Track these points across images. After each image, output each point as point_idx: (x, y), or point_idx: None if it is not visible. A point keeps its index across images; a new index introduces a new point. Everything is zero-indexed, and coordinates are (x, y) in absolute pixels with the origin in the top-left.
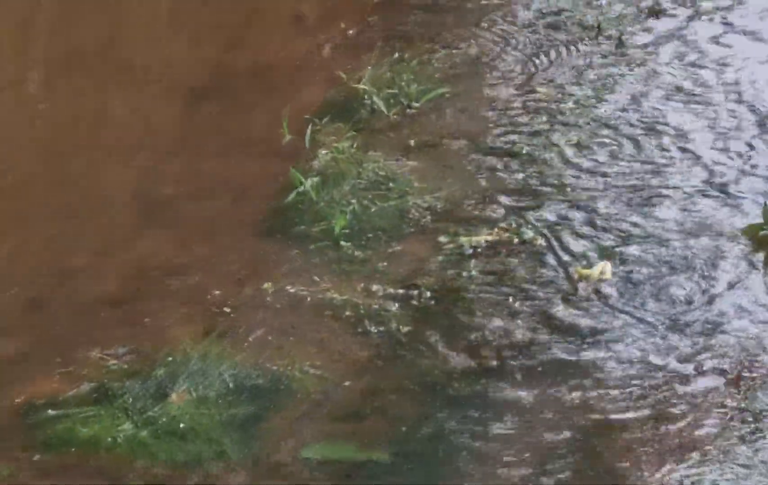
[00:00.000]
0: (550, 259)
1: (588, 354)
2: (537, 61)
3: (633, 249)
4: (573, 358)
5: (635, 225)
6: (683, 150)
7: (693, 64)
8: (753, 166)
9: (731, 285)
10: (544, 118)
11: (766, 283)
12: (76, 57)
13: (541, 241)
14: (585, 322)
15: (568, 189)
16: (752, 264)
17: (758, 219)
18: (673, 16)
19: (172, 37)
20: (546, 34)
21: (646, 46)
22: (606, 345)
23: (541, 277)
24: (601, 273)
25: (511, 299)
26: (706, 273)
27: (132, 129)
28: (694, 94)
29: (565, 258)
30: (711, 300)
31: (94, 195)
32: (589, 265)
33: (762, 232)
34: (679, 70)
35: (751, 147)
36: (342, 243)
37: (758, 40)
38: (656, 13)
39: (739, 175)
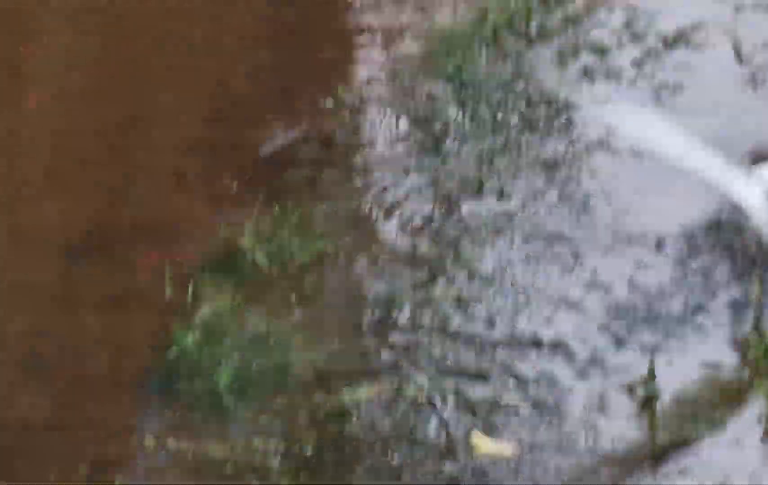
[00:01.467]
0: (434, 419)
1: None
2: (420, 217)
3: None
4: None
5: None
6: None
7: None
8: None
9: None
10: (426, 271)
11: None
12: None
13: (424, 398)
14: None
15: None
16: None
17: None
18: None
19: (49, 195)
20: (429, 192)
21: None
22: None
23: (424, 437)
24: (500, 450)
25: (390, 455)
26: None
27: (8, 289)
28: None
29: (452, 417)
30: None
31: None
32: (486, 434)
33: None
34: None
35: None
36: (224, 398)
37: None
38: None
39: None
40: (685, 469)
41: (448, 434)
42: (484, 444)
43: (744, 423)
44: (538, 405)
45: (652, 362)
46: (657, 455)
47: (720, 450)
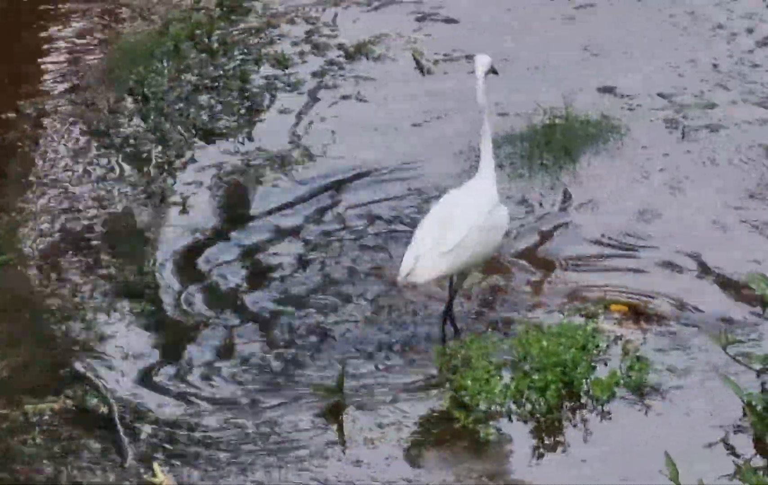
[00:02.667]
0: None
1: None
2: (101, 224)
3: None
4: None
5: None
6: None
7: None
8: None
9: None
10: (111, 282)
11: None
12: None
13: (104, 409)
14: None
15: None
16: None
17: None
18: None
19: None
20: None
21: None
22: None
23: (105, 452)
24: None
25: (68, 469)
26: None
27: None
28: None
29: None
30: None
31: None
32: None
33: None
34: None
35: None
36: None
37: None
38: None
39: None
40: None
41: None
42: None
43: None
44: None
45: (341, 373)
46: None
47: None
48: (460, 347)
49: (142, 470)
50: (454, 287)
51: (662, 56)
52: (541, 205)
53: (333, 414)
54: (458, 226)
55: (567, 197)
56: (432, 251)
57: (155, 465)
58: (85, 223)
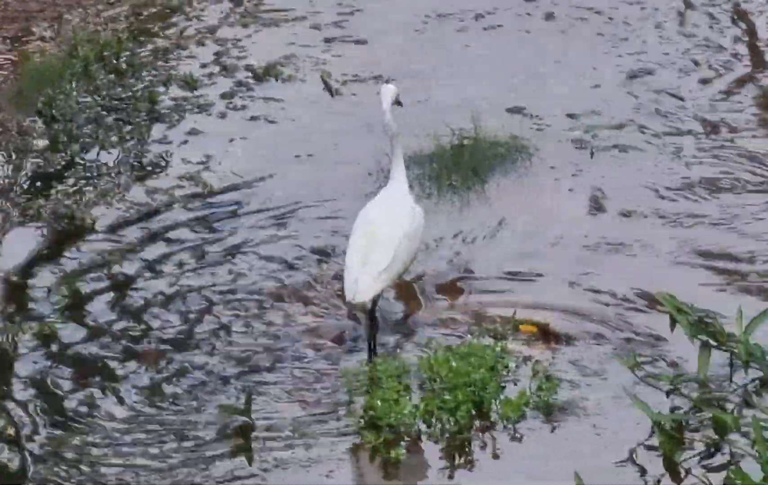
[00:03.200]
0: None
1: None
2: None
3: None
4: None
5: None
6: None
7: None
8: None
9: None
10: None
11: None
12: None
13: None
14: None
15: None
16: None
17: None
18: None
19: None
20: None
21: None
22: None
23: None
24: None
25: None
26: None
27: None
28: None
29: None
30: None
31: None
32: None
33: None
34: None
35: None
36: None
37: None
38: None
39: None
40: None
41: None
42: None
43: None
44: None
45: (249, 397)
46: None
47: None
48: (370, 368)
49: None
50: (376, 304)
51: (571, 77)
52: (449, 225)
53: (241, 435)
54: (387, 243)
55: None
56: (369, 271)
57: None
58: None
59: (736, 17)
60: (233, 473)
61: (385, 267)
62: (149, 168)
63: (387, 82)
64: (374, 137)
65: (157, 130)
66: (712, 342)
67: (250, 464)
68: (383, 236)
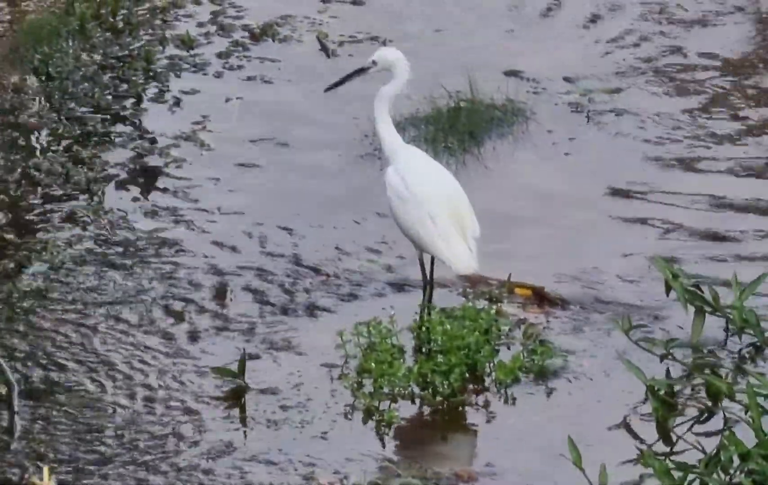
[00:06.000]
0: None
1: None
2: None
3: None
4: None
5: None
6: None
7: None
8: None
9: None
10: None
11: None
12: None
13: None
14: None
15: None
16: None
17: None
18: None
19: None
20: None
21: None
22: None
23: None
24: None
25: None
26: None
27: None
28: None
29: None
30: None
31: None
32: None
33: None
34: None
35: None
36: None
37: None
38: None
39: None
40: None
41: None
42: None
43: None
44: None
45: (243, 357)
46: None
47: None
48: (364, 330)
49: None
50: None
51: (568, 40)
52: None
53: (235, 397)
54: (469, 208)
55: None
56: (471, 240)
57: (45, 469)
58: None
59: None
60: (227, 435)
61: (479, 234)
62: (145, 127)
63: (384, 43)
64: (367, 100)
65: (153, 89)
66: (706, 308)
67: (244, 425)
68: (463, 202)
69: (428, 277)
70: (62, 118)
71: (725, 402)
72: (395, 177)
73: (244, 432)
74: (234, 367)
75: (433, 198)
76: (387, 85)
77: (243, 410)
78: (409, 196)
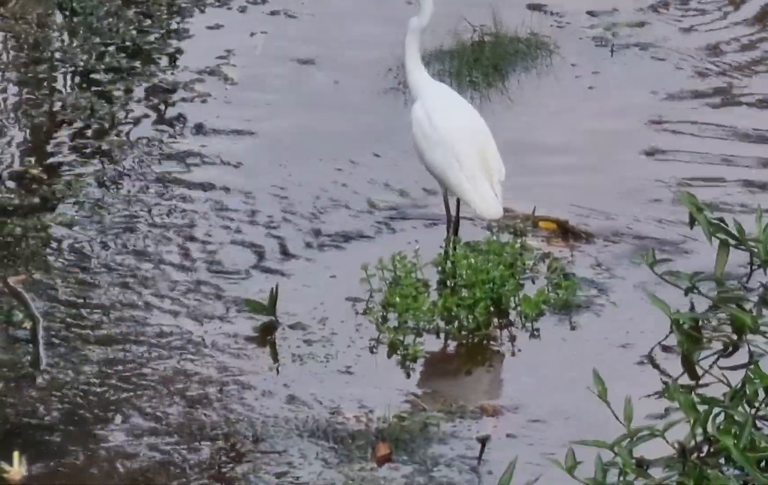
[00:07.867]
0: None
1: None
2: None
3: None
4: None
5: None
6: None
7: None
8: None
9: None
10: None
11: None
12: None
13: (27, 324)
14: None
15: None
16: None
17: None
18: None
19: None
20: None
21: None
22: None
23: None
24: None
25: None
26: None
27: None
28: None
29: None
30: None
31: None
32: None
33: None
34: None
35: None
36: None
37: None
38: None
39: None
40: None
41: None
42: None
43: None
44: None
45: (274, 290)
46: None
47: None
48: (389, 264)
49: None
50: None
51: None
52: None
53: (266, 331)
54: (495, 149)
55: None
56: (495, 183)
57: (15, 454)
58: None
59: None
60: (252, 367)
61: (505, 177)
62: (169, 62)
63: None
64: (395, 34)
65: (177, 24)
66: (731, 241)
67: (275, 360)
68: (489, 144)
69: (452, 215)
70: (86, 52)
71: (750, 336)
72: (421, 112)
73: (269, 366)
74: (265, 301)
75: (459, 138)
76: (416, 17)
77: (272, 346)
78: (434, 134)
